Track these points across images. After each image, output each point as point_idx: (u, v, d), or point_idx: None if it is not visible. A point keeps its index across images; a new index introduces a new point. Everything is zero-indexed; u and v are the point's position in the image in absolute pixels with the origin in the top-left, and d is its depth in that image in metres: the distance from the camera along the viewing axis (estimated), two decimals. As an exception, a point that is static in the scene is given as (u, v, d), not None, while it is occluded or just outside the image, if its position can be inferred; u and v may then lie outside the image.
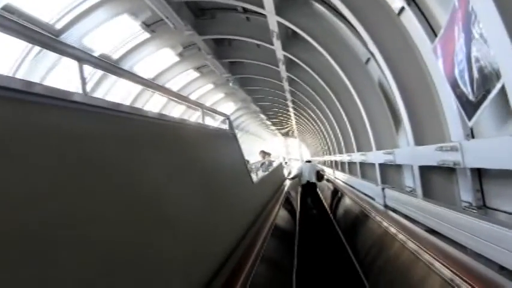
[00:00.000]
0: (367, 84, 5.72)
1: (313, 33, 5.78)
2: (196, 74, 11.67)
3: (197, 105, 3.40)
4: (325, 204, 10.87)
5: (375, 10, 3.78)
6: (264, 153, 9.72)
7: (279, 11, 5.76)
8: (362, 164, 7.58)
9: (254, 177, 5.68)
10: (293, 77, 9.51)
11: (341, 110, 7.65)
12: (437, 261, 2.85)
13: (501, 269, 2.10)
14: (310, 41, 5.95)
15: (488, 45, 2.13)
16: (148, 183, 1.77)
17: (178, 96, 3.03)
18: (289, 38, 7.62)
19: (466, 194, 3.62)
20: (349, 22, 5.32)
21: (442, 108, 3.66)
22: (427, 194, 3.80)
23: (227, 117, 4.59)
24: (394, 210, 4.58)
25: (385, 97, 5.67)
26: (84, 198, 1.23)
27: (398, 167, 5.62)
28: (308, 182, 10.20)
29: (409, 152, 4.04)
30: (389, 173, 5.80)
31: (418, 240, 3.35)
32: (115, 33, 6.89)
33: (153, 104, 10.88)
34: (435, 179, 3.79)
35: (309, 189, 10.26)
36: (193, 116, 14.18)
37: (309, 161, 11.88)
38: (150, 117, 2.09)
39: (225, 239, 2.95)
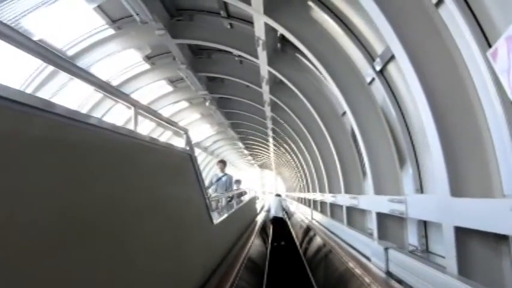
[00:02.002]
0: (369, 110, 4.60)
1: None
2: (169, 88, 10.40)
3: (127, 101, 2.09)
4: (303, 258, 8.79)
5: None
6: (223, 164, 7.40)
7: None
8: (350, 208, 6.33)
9: (216, 216, 4.31)
10: (276, 100, 8.40)
11: (330, 142, 6.49)
12: None
13: None
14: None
15: None
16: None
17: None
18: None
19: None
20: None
21: (492, 145, 2.52)
22: (463, 267, 2.57)
23: (185, 131, 3.31)
24: (400, 281, 3.30)
25: (389, 128, 4.58)
26: None
27: (401, 219, 4.41)
28: (275, 217, 10.63)
29: (439, 205, 2.81)
30: (389, 225, 4.56)
31: None
32: (65, 18, 5.59)
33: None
34: (475, 247, 2.57)
35: (278, 225, 10.60)
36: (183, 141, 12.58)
37: (278, 195, 12.66)
38: None
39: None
